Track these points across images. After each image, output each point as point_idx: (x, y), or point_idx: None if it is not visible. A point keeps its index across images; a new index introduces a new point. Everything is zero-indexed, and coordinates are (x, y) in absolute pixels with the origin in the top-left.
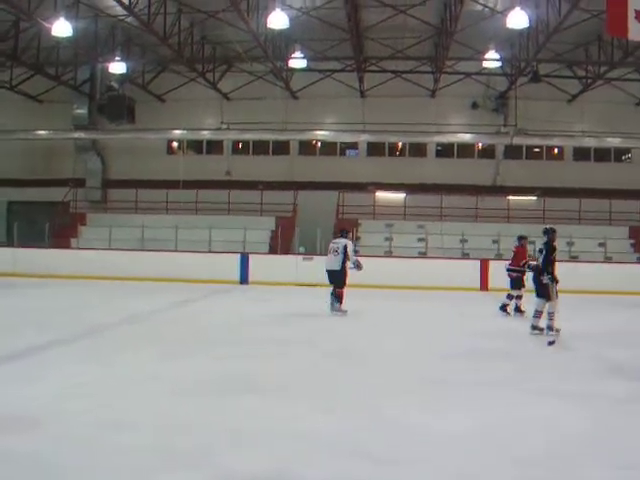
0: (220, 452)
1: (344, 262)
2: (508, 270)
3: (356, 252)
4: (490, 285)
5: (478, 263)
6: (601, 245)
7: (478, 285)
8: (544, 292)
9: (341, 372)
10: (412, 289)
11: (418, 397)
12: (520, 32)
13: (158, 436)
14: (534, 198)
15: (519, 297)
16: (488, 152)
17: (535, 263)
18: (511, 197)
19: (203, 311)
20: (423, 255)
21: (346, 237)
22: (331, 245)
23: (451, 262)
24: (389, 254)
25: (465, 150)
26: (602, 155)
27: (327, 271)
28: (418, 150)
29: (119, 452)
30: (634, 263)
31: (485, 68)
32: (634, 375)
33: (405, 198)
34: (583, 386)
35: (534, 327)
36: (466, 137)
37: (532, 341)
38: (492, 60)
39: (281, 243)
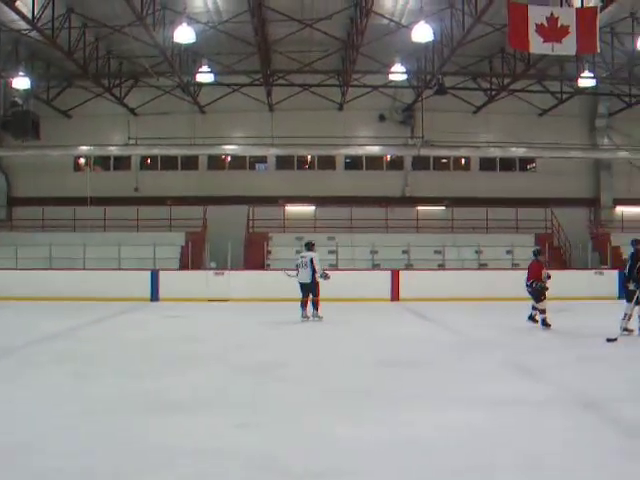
0: (139, 472)
1: (313, 274)
2: (526, 286)
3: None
4: (401, 295)
5: (389, 274)
6: (509, 252)
7: (389, 296)
8: (631, 297)
9: (258, 386)
10: (324, 301)
11: (340, 409)
12: (425, 45)
13: (73, 458)
14: (442, 208)
15: (542, 311)
16: (396, 164)
17: (541, 283)
18: (420, 207)
19: (115, 330)
20: (334, 267)
21: (311, 250)
22: (299, 259)
23: (362, 273)
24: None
25: (374, 162)
26: (507, 165)
27: (300, 283)
28: (327, 163)
29: (32, 476)
30: None
31: (392, 81)
32: (547, 379)
33: (315, 211)
34: (501, 391)
35: (624, 329)
36: (374, 149)
37: (449, 349)
38: (398, 73)
39: (191, 258)
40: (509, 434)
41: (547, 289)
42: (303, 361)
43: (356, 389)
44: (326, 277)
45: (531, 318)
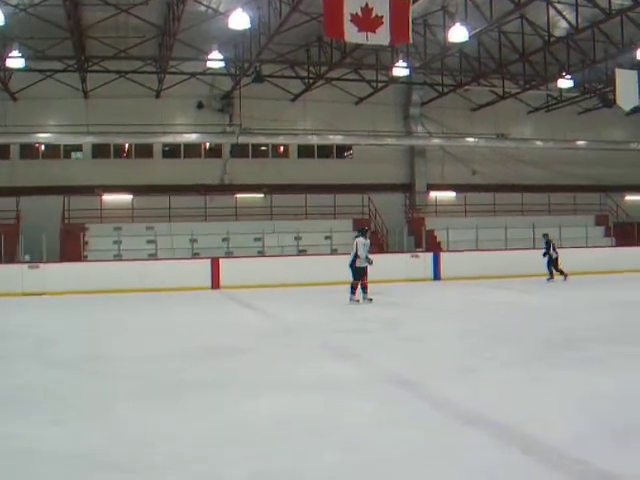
0: None
1: (354, 259)
2: None
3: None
4: (221, 283)
5: (208, 262)
6: (327, 238)
7: (209, 284)
8: None
9: (71, 381)
10: (144, 292)
11: (155, 399)
12: (243, 33)
13: None
14: (261, 195)
15: None
16: (215, 151)
17: None
18: (239, 195)
19: None
20: (153, 257)
21: (360, 236)
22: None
23: (181, 262)
24: (119, 257)
25: (192, 150)
26: (325, 152)
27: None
28: (145, 151)
29: None
30: None
31: (210, 68)
32: (364, 360)
33: (133, 200)
34: (318, 375)
35: None
36: (192, 137)
37: (269, 335)
38: (216, 60)
39: (4, 252)
40: (322, 416)
41: None
42: (120, 353)
43: (173, 379)
44: (370, 262)
45: None
